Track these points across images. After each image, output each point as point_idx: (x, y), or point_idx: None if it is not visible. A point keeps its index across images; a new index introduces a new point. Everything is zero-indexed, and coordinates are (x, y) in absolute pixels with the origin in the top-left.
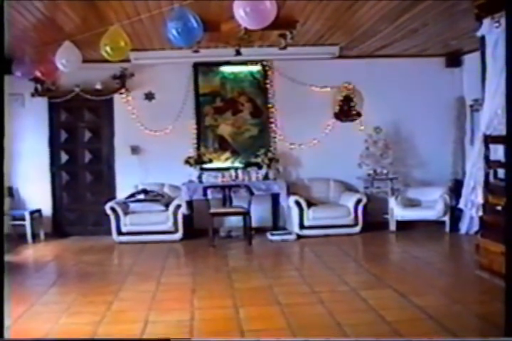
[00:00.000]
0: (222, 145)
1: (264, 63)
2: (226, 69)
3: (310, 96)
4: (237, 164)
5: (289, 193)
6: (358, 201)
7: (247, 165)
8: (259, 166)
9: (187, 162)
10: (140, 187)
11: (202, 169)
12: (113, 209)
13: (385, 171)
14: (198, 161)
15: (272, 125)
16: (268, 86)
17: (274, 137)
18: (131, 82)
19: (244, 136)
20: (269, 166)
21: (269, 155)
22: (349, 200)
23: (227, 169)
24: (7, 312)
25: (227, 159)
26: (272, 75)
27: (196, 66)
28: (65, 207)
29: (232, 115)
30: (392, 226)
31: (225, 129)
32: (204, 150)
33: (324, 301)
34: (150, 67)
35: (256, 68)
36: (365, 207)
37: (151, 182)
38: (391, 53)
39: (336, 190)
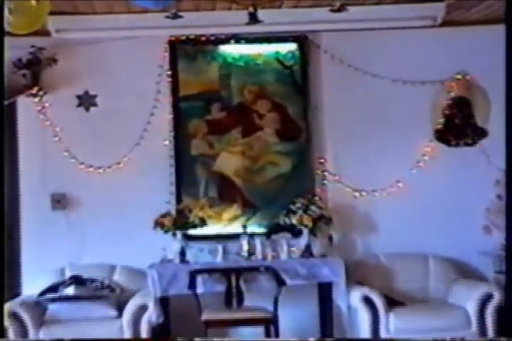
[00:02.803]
0: (225, 192)
1: (303, 38)
2: (231, 49)
3: (389, 99)
4: (253, 228)
5: (351, 282)
6: (486, 298)
7: (272, 229)
8: (294, 232)
9: (159, 224)
10: (69, 273)
11: (187, 237)
12: (15, 315)
13: None
14: (179, 223)
15: (319, 154)
16: (310, 81)
17: (323, 177)
18: (52, 75)
19: (265, 176)
20: (313, 232)
21: (313, 210)
22: (468, 296)
23: (235, 237)
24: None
25: (234, 219)
26: (317, 61)
27: (174, 44)
28: None
29: (244, 136)
30: None
31: (229, 162)
32: (190, 201)
33: None
34: (87, 47)
35: (287, 48)
36: (499, 310)
37: (91, 262)
38: None
39: (442, 275)
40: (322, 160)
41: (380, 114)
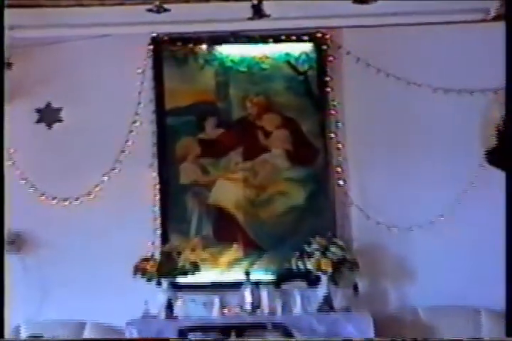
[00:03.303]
0: (223, 229)
1: (320, 37)
2: (230, 50)
3: (428, 113)
4: (258, 275)
5: None
6: None
7: (283, 277)
8: (309, 279)
9: (140, 271)
10: (25, 333)
11: (175, 287)
12: None
13: None
14: (164, 269)
15: (340, 181)
16: (328, 89)
17: (346, 210)
18: (4, 83)
19: (273, 209)
20: (333, 279)
21: (334, 252)
22: None
23: (235, 286)
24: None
25: (234, 263)
26: (338, 65)
27: (159, 44)
28: None
29: (246, 159)
30: None
31: (227, 192)
32: (179, 241)
33: None
34: (50, 48)
35: (301, 48)
36: None
37: (54, 319)
38: None
39: (497, 334)
40: (344, 189)
41: (417, 131)
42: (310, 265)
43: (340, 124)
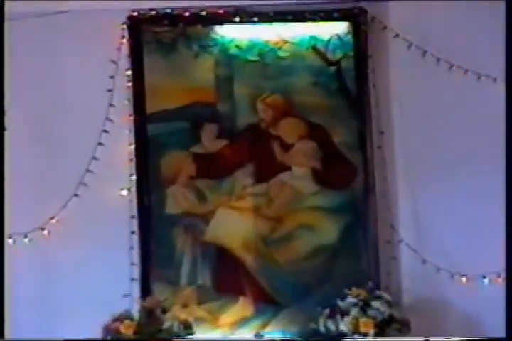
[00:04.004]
0: (226, 277)
1: (359, 13)
2: (235, 33)
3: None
4: (273, 338)
5: None
6: None
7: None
8: None
9: (111, 333)
10: None
11: None
12: None
13: None
14: (145, 331)
15: (386, 212)
16: (370, 86)
17: (394, 248)
18: None
19: (295, 249)
20: None
21: (377, 308)
22: None
23: None
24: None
25: (240, 323)
26: (382, 51)
27: (138, 24)
28: None
29: (258, 180)
30: None
31: (232, 226)
32: (166, 293)
33: None
34: None
35: (332, 30)
36: None
37: None
38: None
39: None
40: (391, 222)
41: (491, 145)
42: (344, 326)
43: (385, 133)
